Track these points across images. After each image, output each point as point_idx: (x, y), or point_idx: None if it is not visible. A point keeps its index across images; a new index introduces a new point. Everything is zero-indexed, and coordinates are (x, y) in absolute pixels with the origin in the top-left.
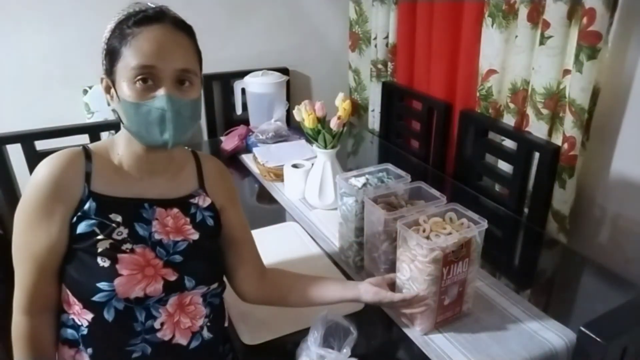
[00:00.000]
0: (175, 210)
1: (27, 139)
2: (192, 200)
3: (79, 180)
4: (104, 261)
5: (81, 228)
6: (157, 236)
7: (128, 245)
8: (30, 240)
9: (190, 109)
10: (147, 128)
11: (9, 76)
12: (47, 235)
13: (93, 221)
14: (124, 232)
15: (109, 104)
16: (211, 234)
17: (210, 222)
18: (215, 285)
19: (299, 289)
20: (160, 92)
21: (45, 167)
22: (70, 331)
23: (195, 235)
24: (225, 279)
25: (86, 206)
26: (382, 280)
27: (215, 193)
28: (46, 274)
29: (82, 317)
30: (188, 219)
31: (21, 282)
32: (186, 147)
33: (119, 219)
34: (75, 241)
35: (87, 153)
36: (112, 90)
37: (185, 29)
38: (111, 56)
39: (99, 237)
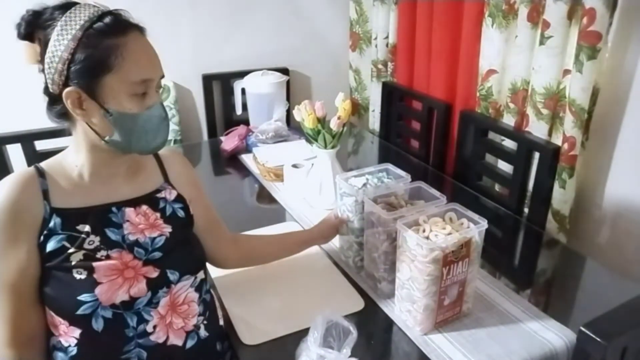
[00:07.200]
0: (145, 207)
1: (27, 139)
2: (159, 195)
3: (38, 199)
4: (80, 273)
5: (50, 245)
6: (131, 237)
7: (102, 253)
8: (1, 270)
9: (165, 111)
10: (141, 136)
11: (9, 76)
12: (16, 261)
13: (61, 236)
14: (95, 240)
15: (63, 117)
16: (183, 224)
17: (180, 213)
18: (201, 274)
19: (267, 250)
20: (153, 100)
21: None
22: (60, 354)
23: (168, 229)
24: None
25: (51, 223)
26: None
27: (181, 185)
28: (25, 301)
29: (69, 335)
30: (158, 214)
31: (1, 314)
32: None
33: (87, 228)
34: (47, 260)
35: (39, 171)
36: (91, 102)
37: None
38: (93, 68)
39: (70, 250)
